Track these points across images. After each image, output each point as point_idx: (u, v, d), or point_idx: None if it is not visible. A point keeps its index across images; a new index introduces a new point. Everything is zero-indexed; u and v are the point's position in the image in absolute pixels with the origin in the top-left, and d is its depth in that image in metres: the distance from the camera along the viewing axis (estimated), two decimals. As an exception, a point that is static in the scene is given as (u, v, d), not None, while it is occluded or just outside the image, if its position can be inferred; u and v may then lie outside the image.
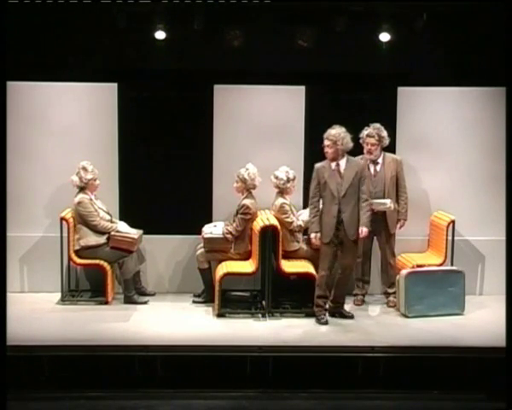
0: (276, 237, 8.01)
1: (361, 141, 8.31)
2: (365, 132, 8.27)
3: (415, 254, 8.70)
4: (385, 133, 8.28)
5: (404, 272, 8.08)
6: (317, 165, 7.76)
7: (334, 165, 7.68)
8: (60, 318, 7.95)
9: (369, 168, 8.33)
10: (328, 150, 7.66)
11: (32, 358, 6.87)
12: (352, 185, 7.64)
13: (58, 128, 8.71)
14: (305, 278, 8.07)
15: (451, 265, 8.45)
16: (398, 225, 8.40)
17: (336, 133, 7.62)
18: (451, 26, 8.47)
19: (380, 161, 8.36)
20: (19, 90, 8.50)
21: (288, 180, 8.34)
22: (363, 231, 7.66)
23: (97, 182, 8.43)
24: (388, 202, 8.21)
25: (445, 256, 8.47)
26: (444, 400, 6.80)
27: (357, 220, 7.67)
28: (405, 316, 7.95)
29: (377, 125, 8.28)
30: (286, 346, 7.14)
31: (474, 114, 8.85)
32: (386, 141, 8.33)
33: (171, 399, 6.74)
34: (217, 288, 7.99)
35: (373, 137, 8.24)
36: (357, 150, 8.33)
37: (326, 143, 7.67)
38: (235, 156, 8.68)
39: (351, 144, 7.69)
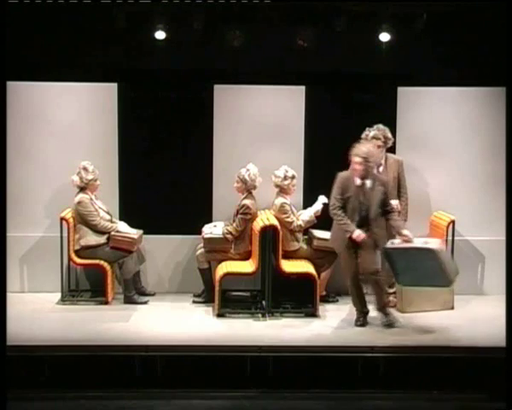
0: (276, 237, 8.01)
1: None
2: (371, 134, 8.24)
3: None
4: (390, 134, 8.29)
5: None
6: (342, 174, 7.57)
7: (359, 182, 7.50)
8: (60, 318, 7.95)
9: (371, 170, 8.35)
10: (358, 168, 7.43)
11: (32, 358, 6.86)
12: (378, 205, 7.50)
13: (58, 128, 8.71)
14: (305, 278, 8.07)
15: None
16: (399, 226, 8.40)
17: (368, 151, 7.45)
18: (451, 26, 8.47)
19: (382, 162, 8.35)
20: (19, 90, 8.50)
21: (286, 178, 8.34)
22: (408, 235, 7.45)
23: (98, 182, 8.43)
24: (396, 203, 8.21)
25: (445, 256, 8.46)
26: (444, 400, 6.80)
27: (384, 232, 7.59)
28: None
29: (381, 126, 8.26)
30: (286, 346, 7.14)
31: (474, 114, 8.85)
32: (391, 142, 8.33)
33: (171, 399, 6.74)
34: (217, 288, 7.98)
35: (379, 139, 8.23)
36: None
37: (357, 160, 7.42)
38: (235, 156, 8.68)
39: (379, 160, 7.60)
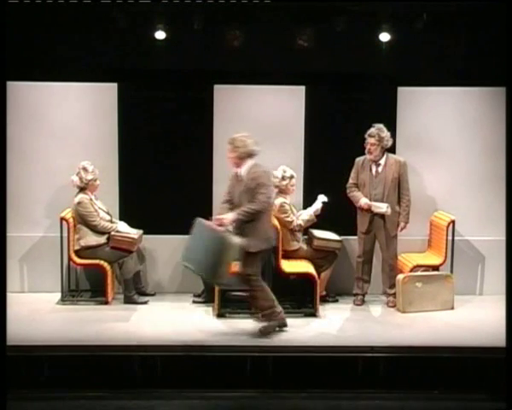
0: (276, 236, 8.00)
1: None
2: (367, 133, 8.25)
3: (415, 254, 8.70)
4: (386, 134, 8.24)
5: None
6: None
7: (234, 171, 7.36)
8: (60, 318, 7.95)
9: (370, 169, 8.32)
10: (229, 155, 7.31)
11: (32, 358, 6.86)
12: (245, 194, 7.21)
13: (58, 128, 8.70)
14: (305, 278, 8.07)
15: (451, 266, 8.44)
16: (399, 228, 8.36)
17: (237, 138, 7.26)
18: (452, 26, 8.47)
19: (382, 162, 8.32)
20: (19, 90, 8.50)
21: (284, 178, 8.34)
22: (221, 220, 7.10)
23: (97, 182, 8.43)
24: (384, 207, 8.19)
25: (445, 256, 8.46)
26: (444, 400, 6.80)
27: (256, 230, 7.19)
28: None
29: (380, 125, 8.26)
30: (286, 346, 7.14)
31: (474, 114, 8.85)
32: (388, 142, 8.28)
33: (171, 399, 6.74)
34: (217, 288, 7.98)
35: (373, 136, 8.22)
36: (360, 151, 8.35)
37: (227, 147, 7.31)
38: (235, 156, 8.67)
39: (251, 148, 7.26)
